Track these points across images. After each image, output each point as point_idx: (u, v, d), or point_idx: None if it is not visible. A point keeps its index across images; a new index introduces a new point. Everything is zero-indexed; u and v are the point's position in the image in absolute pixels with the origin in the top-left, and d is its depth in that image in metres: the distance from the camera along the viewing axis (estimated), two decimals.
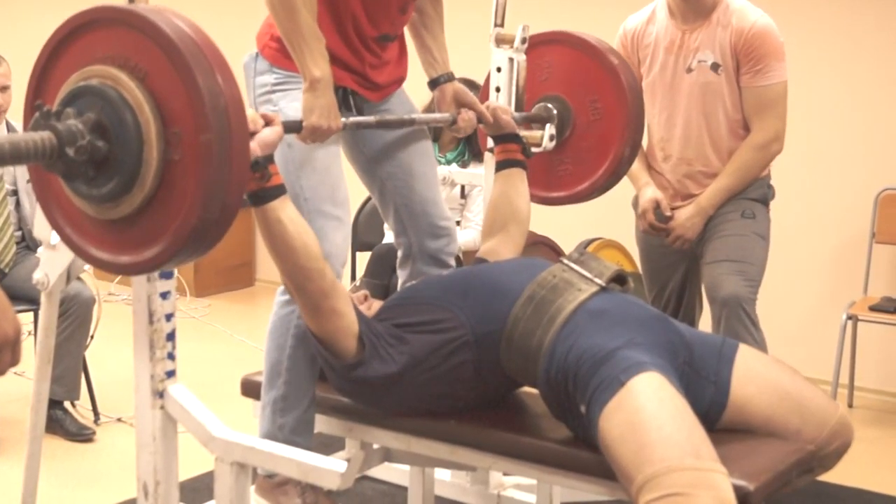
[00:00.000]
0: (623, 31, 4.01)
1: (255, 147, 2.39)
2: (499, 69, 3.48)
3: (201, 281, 7.23)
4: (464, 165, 4.87)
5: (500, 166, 3.26)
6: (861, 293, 5.17)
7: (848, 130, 5.40)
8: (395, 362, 2.63)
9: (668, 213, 3.88)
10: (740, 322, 3.68)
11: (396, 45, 3.10)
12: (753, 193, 3.93)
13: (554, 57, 3.46)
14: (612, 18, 4.14)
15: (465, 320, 2.65)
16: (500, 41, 3.51)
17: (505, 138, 3.25)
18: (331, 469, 2.49)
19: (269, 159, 2.46)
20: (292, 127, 2.67)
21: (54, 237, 2.86)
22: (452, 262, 3.24)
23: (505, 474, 3.86)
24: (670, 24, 3.88)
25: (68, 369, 4.54)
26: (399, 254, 3.24)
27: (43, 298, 3.05)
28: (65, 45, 2.14)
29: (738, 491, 2.31)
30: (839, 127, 5.41)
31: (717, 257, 3.84)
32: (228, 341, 6.06)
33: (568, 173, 3.50)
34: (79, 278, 4.47)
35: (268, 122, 2.49)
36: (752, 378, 2.67)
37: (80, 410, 4.73)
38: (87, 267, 4.50)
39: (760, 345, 3.62)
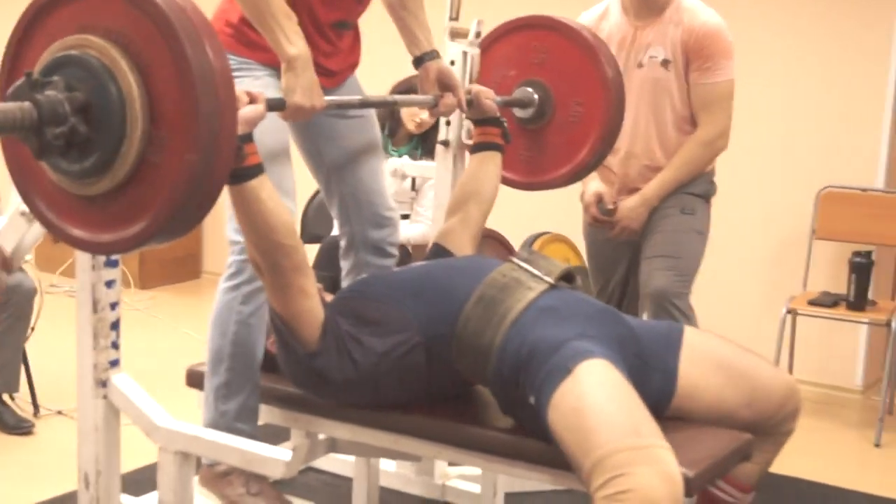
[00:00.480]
0: None
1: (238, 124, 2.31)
2: (452, 62, 3.48)
3: (146, 273, 7.18)
4: (415, 160, 4.88)
5: (477, 148, 3.25)
6: (801, 288, 5.25)
7: (791, 130, 5.48)
8: (355, 364, 2.62)
9: (611, 206, 3.91)
10: (670, 316, 3.74)
11: (352, 33, 3.10)
12: (695, 189, 3.96)
13: (553, 44, 3.43)
14: (569, 14, 4.16)
15: (416, 322, 2.65)
16: (455, 35, 3.53)
17: (486, 121, 3.24)
18: (275, 458, 2.51)
19: (247, 137, 2.41)
20: (275, 105, 2.62)
21: None
22: (395, 251, 3.24)
23: (450, 465, 3.89)
24: (623, 21, 3.91)
25: (7, 361, 4.51)
26: (342, 243, 3.25)
27: None
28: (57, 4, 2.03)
29: None
30: (782, 126, 5.50)
31: (652, 253, 3.89)
32: (173, 333, 6.02)
33: (530, 161, 3.50)
34: (21, 269, 4.45)
35: (252, 100, 2.45)
36: (698, 361, 2.72)
37: (20, 403, 4.67)
38: (29, 257, 4.51)
39: None
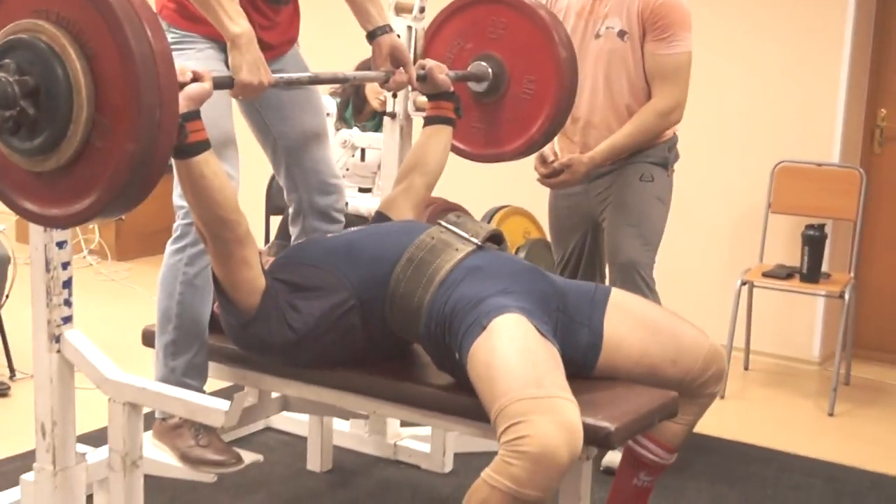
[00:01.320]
0: None
1: (182, 102, 2.36)
2: (398, 37, 3.58)
3: (122, 245, 7.26)
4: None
5: (429, 121, 3.32)
6: (757, 261, 5.34)
7: (747, 105, 5.56)
8: (293, 329, 2.72)
9: (551, 159, 3.94)
10: (635, 285, 3.81)
11: (290, 8, 3.18)
12: (654, 157, 4.00)
13: (511, 20, 3.47)
14: None
15: (349, 285, 2.76)
16: (400, 10, 3.61)
17: (439, 96, 3.30)
18: (215, 408, 2.62)
19: (192, 115, 2.46)
20: (223, 83, 2.67)
21: None
22: (341, 217, 3.34)
23: (402, 425, 4.02)
24: None
25: None
26: (290, 210, 3.35)
27: None
28: None
29: (600, 431, 2.47)
30: (739, 101, 5.57)
31: (617, 221, 3.95)
32: (147, 303, 6.07)
33: (484, 133, 3.56)
34: None
35: (197, 78, 2.51)
36: (624, 318, 2.83)
37: None
38: (3, 227, 4.63)
39: None
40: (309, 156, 3.25)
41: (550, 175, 3.88)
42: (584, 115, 3.98)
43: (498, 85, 3.48)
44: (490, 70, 3.47)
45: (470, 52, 3.53)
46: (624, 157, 3.97)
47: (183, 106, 2.35)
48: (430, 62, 3.29)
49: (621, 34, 3.86)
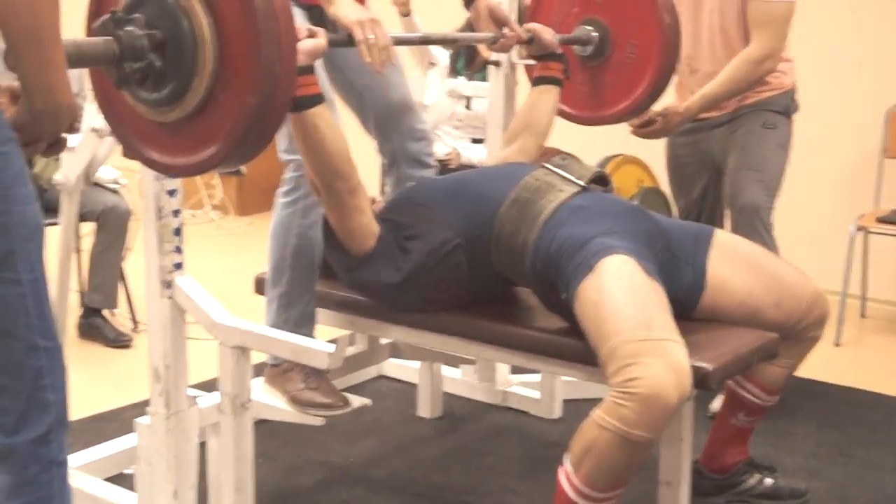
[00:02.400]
0: None
1: (298, 57, 2.34)
2: None
3: (244, 200, 7.43)
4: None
5: (537, 82, 3.36)
6: (872, 207, 5.27)
7: (861, 48, 5.45)
8: (400, 270, 2.78)
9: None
10: (754, 228, 3.82)
11: None
12: (776, 105, 4.01)
13: None
14: None
15: (455, 224, 2.81)
16: None
17: (546, 56, 3.34)
18: (320, 350, 2.69)
19: (306, 70, 2.53)
20: (339, 41, 2.68)
21: (73, 140, 3.06)
22: (432, 162, 3.38)
23: (511, 372, 4.06)
24: None
25: (106, 279, 4.78)
26: (384, 162, 3.39)
27: (63, 198, 3.27)
28: None
29: (698, 371, 2.47)
30: (852, 45, 5.47)
31: (739, 165, 3.96)
32: (264, 254, 6.19)
33: (589, 96, 3.59)
34: (116, 192, 4.71)
35: (311, 35, 2.57)
36: (727, 259, 2.84)
37: (120, 319, 4.96)
38: (126, 181, 4.75)
39: (773, 251, 3.74)
40: (395, 104, 3.27)
41: (644, 125, 3.88)
42: (704, 67, 3.99)
43: (602, 49, 3.51)
44: (595, 34, 3.50)
45: (575, 16, 3.56)
46: (741, 104, 3.98)
47: (299, 60, 2.37)
48: (536, 25, 3.33)
49: None
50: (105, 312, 4.90)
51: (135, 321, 4.98)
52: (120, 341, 4.79)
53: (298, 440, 3.69)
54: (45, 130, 1.80)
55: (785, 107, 4.04)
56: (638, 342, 2.39)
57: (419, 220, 2.84)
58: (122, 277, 4.88)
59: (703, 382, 2.51)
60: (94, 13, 2.20)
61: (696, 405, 2.68)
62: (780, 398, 3.09)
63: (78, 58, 1.97)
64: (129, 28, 2.03)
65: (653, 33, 3.43)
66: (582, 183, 2.83)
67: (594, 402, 2.53)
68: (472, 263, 2.82)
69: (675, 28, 3.46)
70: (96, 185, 4.55)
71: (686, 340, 2.46)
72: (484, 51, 5.04)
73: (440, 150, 5.19)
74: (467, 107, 4.87)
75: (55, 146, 1.86)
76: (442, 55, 5.07)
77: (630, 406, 2.34)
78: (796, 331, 2.87)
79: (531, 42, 3.29)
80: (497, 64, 3.71)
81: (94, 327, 4.82)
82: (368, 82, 3.24)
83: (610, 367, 2.41)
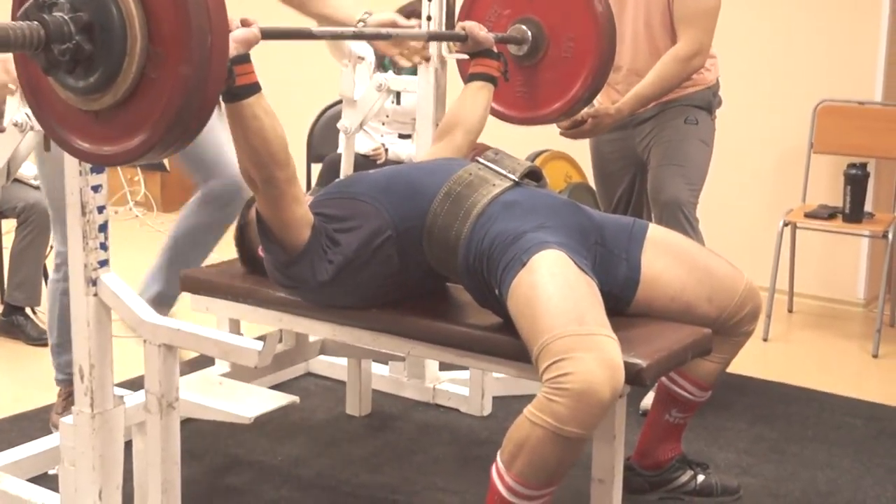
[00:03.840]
0: None
1: (231, 45, 2.33)
2: None
3: (167, 197, 7.36)
4: None
5: (472, 78, 3.34)
6: (800, 202, 5.31)
7: (789, 44, 5.51)
8: (332, 263, 2.75)
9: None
10: (678, 224, 3.82)
11: None
12: (697, 100, 4.03)
13: None
14: None
15: (387, 216, 2.78)
16: None
17: (482, 53, 3.31)
18: (248, 348, 2.65)
19: (242, 58, 2.49)
20: (271, 33, 2.64)
21: None
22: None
23: (440, 369, 4.04)
24: None
25: (28, 276, 4.70)
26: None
27: None
28: None
29: (632, 367, 2.46)
30: (781, 40, 5.52)
31: (660, 161, 3.98)
32: None
33: (525, 96, 3.56)
34: (38, 188, 4.63)
35: (244, 23, 2.52)
36: (661, 253, 2.83)
37: (41, 316, 4.86)
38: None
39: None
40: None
41: (573, 125, 3.86)
42: (628, 64, 4.00)
43: (538, 47, 3.48)
44: (529, 32, 3.48)
45: (508, 17, 3.54)
46: (664, 101, 3.98)
47: (232, 49, 2.35)
48: (468, 22, 3.32)
49: None
50: (27, 310, 4.81)
51: None
52: (42, 339, 4.66)
53: (226, 439, 3.64)
54: None
55: (707, 102, 4.07)
56: (570, 337, 2.37)
57: (350, 213, 2.81)
58: (45, 274, 4.79)
59: (636, 379, 2.49)
60: (17, 2, 2.13)
61: (629, 401, 2.67)
62: (712, 394, 3.09)
63: (3, 43, 1.92)
64: (55, 14, 1.98)
65: (588, 25, 3.40)
66: (514, 177, 2.81)
67: (524, 398, 2.52)
68: (403, 257, 2.79)
69: (609, 17, 3.44)
70: (17, 181, 4.47)
71: (619, 336, 2.44)
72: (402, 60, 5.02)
73: (367, 145, 5.15)
74: (396, 102, 4.84)
75: None
76: (367, 50, 5.04)
77: (562, 402, 2.32)
78: (729, 325, 2.87)
79: (464, 40, 3.27)
80: (427, 58, 3.67)
81: (16, 325, 4.75)
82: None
83: (542, 363, 2.39)
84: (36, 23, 1.98)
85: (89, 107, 2.10)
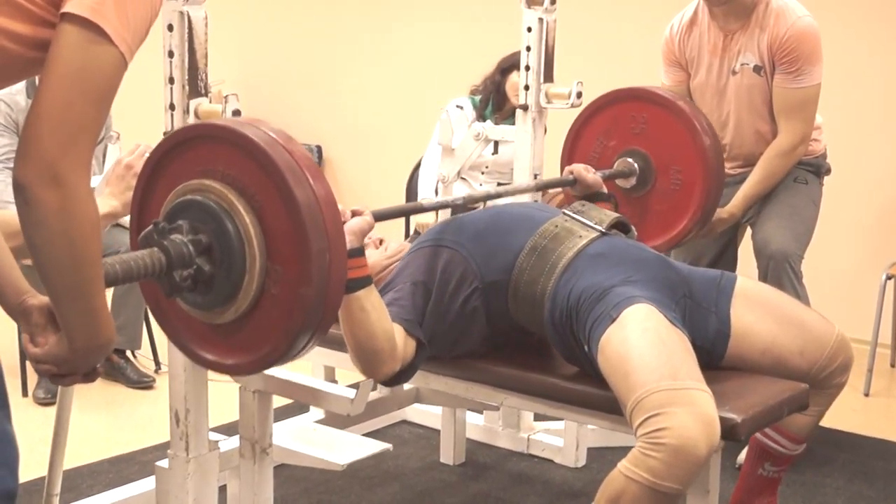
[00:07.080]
0: (669, 34, 4.06)
1: (347, 239, 2.27)
2: (529, 29, 3.58)
3: None
4: None
5: None
6: None
7: (885, 94, 5.44)
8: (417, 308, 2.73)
9: None
10: (786, 276, 3.78)
11: None
12: (807, 164, 4.03)
13: (652, 114, 3.54)
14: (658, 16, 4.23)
15: (475, 268, 2.78)
16: (531, 2, 3.61)
17: (594, 196, 3.26)
18: (342, 395, 2.66)
19: (356, 252, 2.48)
20: (385, 214, 2.67)
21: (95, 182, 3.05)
22: None
23: (535, 419, 4.02)
24: (713, 27, 3.93)
25: (129, 320, 4.75)
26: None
27: None
28: (180, 149, 2.11)
29: (727, 422, 2.42)
30: (883, 91, 5.45)
31: (770, 214, 3.94)
32: None
33: (636, 228, 3.56)
34: None
35: (354, 214, 2.54)
36: (751, 306, 2.79)
37: (142, 360, 4.95)
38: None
39: (804, 300, 3.70)
40: None
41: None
42: (731, 147, 4.03)
43: (646, 179, 3.54)
44: (636, 165, 3.53)
45: (614, 149, 3.59)
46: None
47: (349, 242, 2.36)
48: (578, 166, 3.32)
49: (757, 69, 3.88)
50: (128, 353, 4.89)
51: (157, 362, 4.97)
52: (142, 382, 4.78)
53: (318, 486, 3.64)
54: (84, 365, 1.79)
55: (816, 167, 4.07)
56: (665, 392, 2.34)
57: (440, 263, 2.80)
58: (146, 318, 4.86)
59: (731, 434, 2.45)
60: (136, 229, 2.15)
61: (723, 455, 2.64)
62: (810, 449, 3.05)
63: (127, 275, 1.92)
64: (174, 236, 1.98)
65: (694, 157, 3.46)
66: (601, 228, 2.80)
67: (618, 450, 2.50)
68: (488, 309, 2.79)
69: (716, 150, 3.49)
70: (118, 225, 4.55)
71: (713, 390, 2.41)
72: (513, 97, 5.02)
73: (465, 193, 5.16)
74: (495, 151, 4.85)
75: (90, 375, 1.83)
76: (465, 102, 5.07)
77: (658, 457, 2.29)
78: (821, 378, 2.82)
79: (573, 184, 3.28)
80: (525, 107, 3.68)
81: (117, 368, 4.80)
82: None
83: (636, 418, 2.37)
84: (157, 249, 1.97)
85: (211, 320, 2.10)
